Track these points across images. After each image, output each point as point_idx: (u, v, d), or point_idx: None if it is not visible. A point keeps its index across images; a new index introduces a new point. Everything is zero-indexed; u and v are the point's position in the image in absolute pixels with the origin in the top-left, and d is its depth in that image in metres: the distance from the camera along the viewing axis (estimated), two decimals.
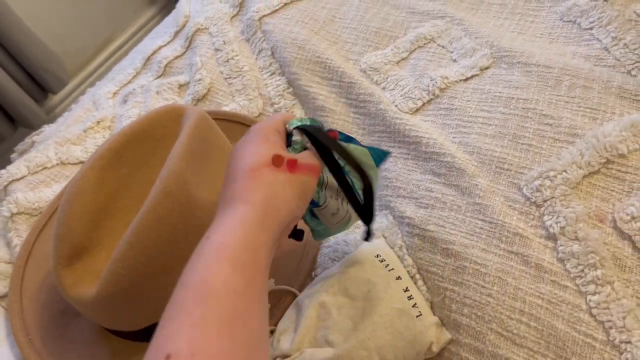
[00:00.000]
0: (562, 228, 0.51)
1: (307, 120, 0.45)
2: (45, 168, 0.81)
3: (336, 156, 0.43)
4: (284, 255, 0.61)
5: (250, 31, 0.86)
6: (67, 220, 0.54)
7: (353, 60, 0.76)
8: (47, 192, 0.77)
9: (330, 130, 0.45)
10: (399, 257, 0.57)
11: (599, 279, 0.48)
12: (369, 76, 0.73)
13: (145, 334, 0.57)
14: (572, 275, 0.49)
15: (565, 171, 0.54)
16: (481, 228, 0.54)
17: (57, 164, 0.81)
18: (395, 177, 0.62)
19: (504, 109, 0.62)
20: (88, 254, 0.56)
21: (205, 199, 0.55)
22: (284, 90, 0.78)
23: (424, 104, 0.67)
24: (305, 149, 0.45)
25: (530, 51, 0.65)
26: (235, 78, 0.82)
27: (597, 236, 0.50)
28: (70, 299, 0.54)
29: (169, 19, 1.05)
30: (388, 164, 0.64)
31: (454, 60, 0.70)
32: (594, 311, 0.47)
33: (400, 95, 0.69)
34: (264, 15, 0.86)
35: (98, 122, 0.86)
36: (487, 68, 0.67)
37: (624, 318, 0.46)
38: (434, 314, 0.53)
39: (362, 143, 0.49)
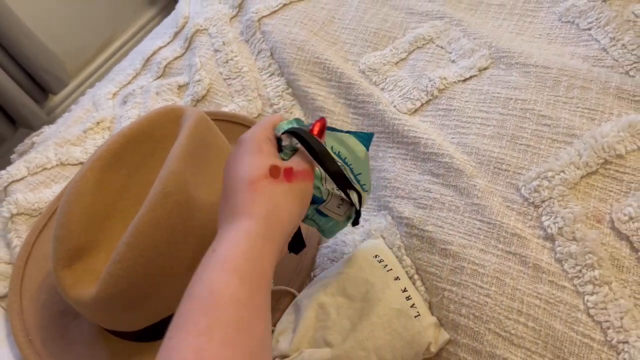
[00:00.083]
0: (560, 228, 0.51)
1: (294, 122, 0.46)
2: (45, 169, 0.81)
3: (329, 148, 0.45)
4: (283, 256, 0.61)
5: (250, 32, 0.86)
6: (66, 221, 0.54)
7: (352, 61, 0.76)
8: (46, 193, 0.77)
9: (319, 119, 0.46)
10: (397, 257, 0.57)
11: (596, 279, 0.48)
12: (368, 77, 0.73)
13: (144, 335, 0.58)
14: (569, 275, 0.50)
15: (563, 172, 0.54)
16: (479, 228, 0.54)
17: (57, 165, 0.81)
18: (394, 177, 0.63)
19: (502, 109, 0.62)
20: (87, 254, 0.56)
21: (205, 199, 0.55)
22: (283, 91, 0.78)
23: (422, 105, 0.68)
24: (295, 150, 0.45)
25: (529, 52, 0.66)
26: (235, 79, 0.82)
27: (594, 237, 0.50)
28: (69, 299, 0.54)
29: (168, 20, 1.06)
30: (386, 164, 0.64)
31: (453, 61, 0.70)
32: (592, 311, 0.48)
33: (399, 96, 0.69)
34: (263, 16, 0.86)
35: (98, 123, 0.86)
36: (485, 69, 0.67)
37: (621, 318, 0.46)
38: (432, 314, 0.53)
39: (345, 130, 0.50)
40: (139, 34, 1.89)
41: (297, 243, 0.50)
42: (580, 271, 0.49)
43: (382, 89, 0.71)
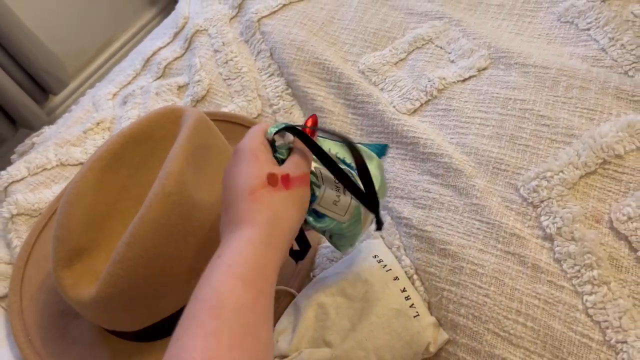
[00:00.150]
0: (558, 228, 0.51)
1: (282, 124, 0.46)
2: (45, 169, 0.81)
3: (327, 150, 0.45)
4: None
5: (249, 32, 0.86)
6: (66, 222, 0.55)
7: (351, 61, 0.77)
8: (47, 193, 0.77)
9: (310, 116, 0.47)
10: (396, 257, 0.57)
11: (595, 280, 0.48)
12: (367, 77, 0.74)
13: (144, 335, 0.58)
14: (568, 275, 0.50)
15: (562, 172, 0.54)
16: (478, 228, 0.54)
17: (57, 165, 0.82)
18: (393, 177, 0.63)
19: (501, 109, 0.62)
20: (87, 255, 0.56)
21: (204, 200, 0.55)
22: (282, 91, 0.78)
23: (421, 105, 0.68)
24: (290, 149, 0.45)
25: (528, 52, 0.66)
26: (234, 79, 0.82)
27: (593, 237, 0.50)
28: (69, 299, 0.54)
29: (168, 21, 1.06)
30: (386, 164, 0.64)
31: (452, 61, 0.71)
32: (591, 311, 0.48)
33: (399, 96, 0.69)
34: (263, 17, 0.86)
35: (98, 124, 0.86)
36: (484, 69, 0.67)
37: (620, 318, 0.46)
38: (432, 314, 0.53)
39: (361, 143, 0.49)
40: (139, 34, 1.89)
41: (302, 245, 0.51)
42: (579, 271, 0.49)
43: (382, 89, 0.72)
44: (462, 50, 0.70)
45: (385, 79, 0.72)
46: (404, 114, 0.67)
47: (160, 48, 0.96)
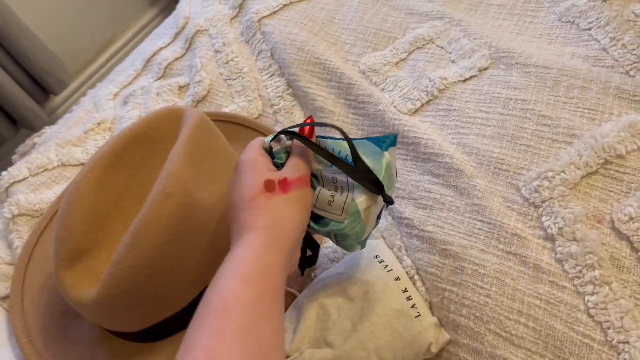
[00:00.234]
0: (560, 229, 0.51)
1: (276, 132, 0.48)
2: (46, 170, 0.81)
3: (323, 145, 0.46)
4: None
5: (250, 33, 0.86)
6: (67, 223, 0.55)
7: (352, 62, 0.76)
8: (48, 194, 0.77)
9: (308, 117, 0.48)
10: (398, 258, 0.57)
11: (597, 280, 0.48)
12: (368, 77, 0.74)
13: (146, 335, 0.58)
14: (570, 276, 0.50)
15: (563, 172, 0.54)
16: (480, 229, 0.54)
17: (58, 166, 0.82)
18: None
19: (502, 110, 0.62)
20: (89, 255, 0.56)
21: (205, 200, 0.55)
22: (283, 92, 0.78)
23: (423, 105, 0.68)
24: (289, 153, 0.46)
25: (529, 52, 0.66)
26: (235, 80, 0.82)
27: (595, 237, 0.50)
28: (70, 300, 0.54)
29: (169, 21, 1.06)
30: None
31: (453, 62, 0.70)
32: (592, 312, 0.48)
33: (400, 97, 0.69)
34: (264, 17, 0.86)
35: (99, 124, 0.86)
36: (486, 69, 0.67)
37: (622, 318, 0.46)
38: (433, 314, 0.53)
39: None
40: (139, 35, 1.89)
41: (311, 248, 0.52)
42: (580, 272, 0.49)
43: (383, 89, 0.72)
44: (463, 50, 0.70)
45: (386, 79, 0.72)
46: (405, 114, 0.67)
47: (161, 48, 0.96)
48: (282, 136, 0.47)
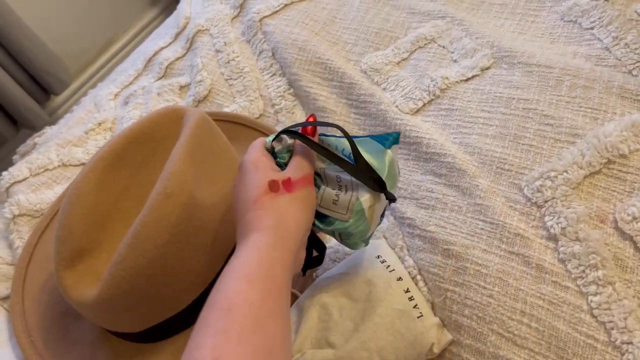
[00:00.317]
0: (563, 229, 0.51)
1: (277, 132, 0.48)
2: (46, 170, 0.81)
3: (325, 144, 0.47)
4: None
5: (251, 32, 0.86)
6: (68, 222, 0.54)
7: (354, 61, 0.76)
8: (48, 194, 0.77)
9: (310, 115, 0.49)
10: (399, 258, 0.57)
11: (600, 280, 0.48)
12: (370, 77, 0.73)
13: (146, 336, 0.58)
14: (573, 276, 0.49)
15: (566, 171, 0.54)
16: (482, 229, 0.54)
17: (59, 166, 0.81)
18: None
19: (504, 109, 0.61)
20: (89, 255, 0.56)
21: (206, 200, 0.55)
22: (284, 91, 0.78)
23: (424, 105, 0.67)
24: (291, 152, 0.47)
25: (531, 51, 0.65)
26: (236, 79, 0.82)
27: (598, 237, 0.50)
28: (71, 300, 0.54)
29: (169, 21, 1.06)
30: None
31: (455, 61, 0.70)
32: (595, 312, 0.47)
33: (401, 96, 0.69)
34: (265, 17, 0.86)
35: (99, 124, 0.86)
36: (487, 68, 0.67)
37: (625, 319, 0.46)
38: (435, 314, 0.53)
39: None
40: (140, 34, 1.89)
41: (318, 249, 0.52)
42: (583, 271, 0.49)
43: (384, 89, 0.71)
44: (464, 49, 0.70)
45: (387, 79, 0.72)
46: (407, 113, 0.67)
47: (162, 48, 0.96)
48: (284, 136, 0.47)
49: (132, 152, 0.60)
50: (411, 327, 0.51)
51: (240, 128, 0.75)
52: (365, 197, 0.45)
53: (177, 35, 0.97)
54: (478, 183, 0.57)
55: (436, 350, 0.51)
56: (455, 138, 0.62)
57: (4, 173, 0.81)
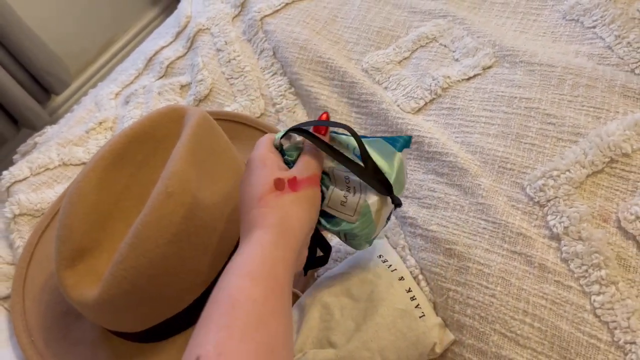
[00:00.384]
0: (565, 228, 0.51)
1: (287, 129, 0.47)
2: (47, 169, 0.81)
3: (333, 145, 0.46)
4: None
5: (252, 31, 0.86)
6: (68, 222, 0.54)
7: (355, 60, 0.76)
8: (49, 193, 0.77)
9: (323, 113, 0.48)
10: (401, 257, 0.57)
11: (603, 279, 0.48)
12: (371, 76, 0.73)
13: (147, 335, 0.57)
14: (576, 275, 0.49)
15: (568, 170, 0.53)
16: (484, 228, 0.54)
17: (59, 165, 0.81)
18: None
19: (506, 108, 0.61)
20: (90, 255, 0.55)
21: (207, 199, 0.55)
22: (285, 91, 0.78)
23: (426, 104, 0.67)
24: (299, 149, 0.46)
25: (533, 50, 0.65)
26: (237, 78, 0.82)
27: (601, 236, 0.49)
28: (72, 300, 0.54)
29: (170, 20, 1.05)
30: None
31: (456, 60, 0.70)
32: (599, 311, 0.47)
33: (403, 95, 0.69)
34: (266, 16, 0.86)
35: (100, 123, 0.86)
36: (489, 67, 0.67)
37: (628, 318, 0.46)
38: (437, 314, 0.53)
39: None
40: (141, 34, 1.89)
41: (323, 249, 0.52)
42: (586, 271, 0.49)
43: (386, 88, 0.71)
44: (466, 48, 0.70)
45: (389, 78, 0.72)
46: (408, 112, 0.67)
47: (163, 47, 0.96)
48: (293, 133, 0.47)
49: (133, 152, 0.59)
50: (413, 327, 0.51)
51: (241, 127, 0.75)
52: (373, 200, 0.45)
53: (178, 34, 0.97)
54: (480, 182, 0.56)
55: (438, 350, 0.51)
56: (457, 137, 0.62)
57: (5, 172, 0.81)
